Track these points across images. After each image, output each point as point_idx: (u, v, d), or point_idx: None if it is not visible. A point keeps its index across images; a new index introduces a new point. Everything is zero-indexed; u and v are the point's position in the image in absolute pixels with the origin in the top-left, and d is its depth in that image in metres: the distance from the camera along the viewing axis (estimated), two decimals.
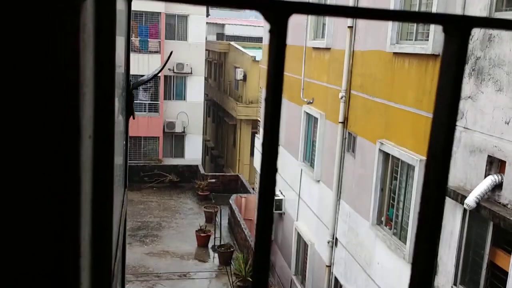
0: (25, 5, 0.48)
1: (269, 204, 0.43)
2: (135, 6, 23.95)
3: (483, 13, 6.41)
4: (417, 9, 8.20)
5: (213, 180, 23.54)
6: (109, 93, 0.85)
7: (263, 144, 0.39)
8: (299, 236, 13.46)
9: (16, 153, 0.53)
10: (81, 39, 0.50)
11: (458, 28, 0.43)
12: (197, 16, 26.54)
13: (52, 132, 0.52)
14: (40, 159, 0.53)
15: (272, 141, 0.38)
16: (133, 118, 2.10)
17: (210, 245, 18.04)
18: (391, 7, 8.63)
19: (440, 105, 0.45)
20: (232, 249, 17.03)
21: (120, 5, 1.59)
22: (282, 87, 0.38)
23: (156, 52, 25.57)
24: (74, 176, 0.55)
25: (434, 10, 7.41)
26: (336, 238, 11.10)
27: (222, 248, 16.94)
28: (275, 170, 0.41)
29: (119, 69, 1.64)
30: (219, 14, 46.13)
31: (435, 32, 7.33)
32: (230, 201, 19.65)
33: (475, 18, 0.44)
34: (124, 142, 2.06)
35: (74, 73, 0.50)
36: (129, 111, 2.02)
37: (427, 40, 7.66)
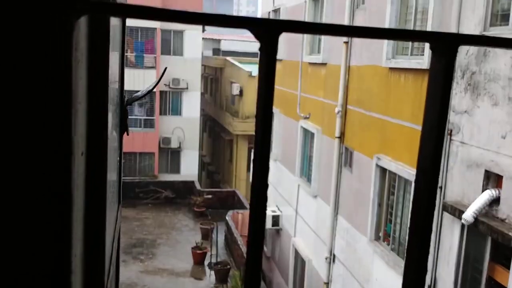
0: (18, 23, 0.48)
1: (260, 220, 0.40)
2: (130, 22, 24.09)
3: (478, 28, 6.45)
4: (412, 24, 8.25)
5: (209, 196, 23.43)
6: (102, 110, 0.84)
7: (254, 161, 0.36)
8: (296, 253, 13.36)
9: (6, 169, 0.53)
10: (73, 57, 0.50)
11: (445, 46, 0.43)
12: (193, 31, 26.69)
13: (44, 149, 0.52)
14: (31, 175, 0.53)
15: (262, 161, 0.35)
16: (127, 134, 2.06)
17: (206, 262, 17.88)
18: (386, 22, 8.69)
19: (428, 121, 0.44)
20: (228, 267, 16.87)
21: (114, 21, 1.57)
22: (272, 103, 0.36)
23: (151, 67, 25.64)
24: (65, 193, 0.55)
25: (429, 24, 7.46)
26: (334, 254, 11.02)
27: (219, 266, 16.78)
28: (266, 185, 0.39)
29: (113, 85, 1.62)
30: (215, 30, 46.47)
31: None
32: (227, 217, 19.54)
33: (462, 35, 0.44)
34: (118, 158, 2.02)
35: (66, 91, 0.51)
36: (123, 127, 2.00)
37: (423, 55, 7.70)
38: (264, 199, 0.42)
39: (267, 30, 0.34)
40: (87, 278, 0.91)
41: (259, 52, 0.36)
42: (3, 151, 0.52)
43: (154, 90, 25.57)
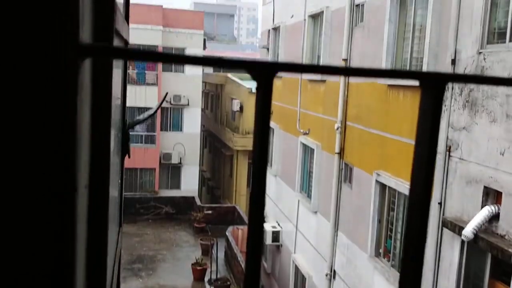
0: (25, 62, 0.50)
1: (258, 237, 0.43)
2: (132, 39, 24.28)
3: (475, 46, 6.53)
4: (410, 42, 8.34)
5: (210, 212, 23.37)
6: (105, 143, 0.87)
7: (251, 198, 0.40)
8: (296, 269, 13.30)
9: (11, 204, 0.54)
10: (78, 98, 0.52)
11: (433, 84, 0.46)
12: (194, 49, 26.90)
13: (49, 185, 0.54)
14: (35, 211, 0.54)
15: (258, 198, 0.39)
16: (129, 157, 2.10)
17: (206, 278, 17.76)
18: (385, 39, 8.79)
19: (418, 156, 0.47)
20: (228, 283, 16.76)
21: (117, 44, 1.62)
22: (268, 138, 0.40)
23: (153, 84, 25.79)
24: (69, 228, 0.56)
25: (426, 42, 7.54)
26: (334, 271, 10.97)
27: (219, 282, 16.68)
28: (262, 222, 0.42)
29: (115, 108, 1.66)
30: (216, 47, 46.81)
31: (429, 64, 7.44)
32: (227, 233, 19.47)
33: (449, 74, 0.48)
34: (119, 181, 2.05)
35: (71, 130, 0.52)
36: (124, 151, 2.03)
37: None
38: (262, 220, 0.45)
39: (263, 71, 0.38)
40: None
41: (255, 91, 0.40)
42: (6, 187, 0.53)
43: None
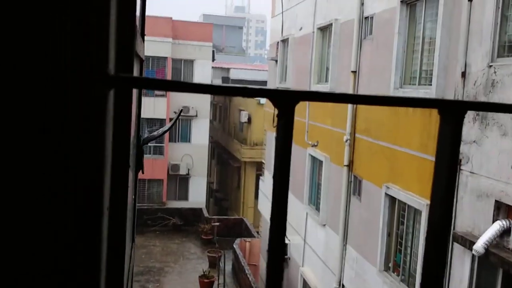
0: (58, 95, 0.52)
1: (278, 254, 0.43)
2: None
3: (485, 60, 6.49)
4: (419, 55, 8.32)
5: (217, 224, 23.31)
6: (124, 165, 0.87)
7: (271, 229, 0.39)
8: (305, 283, 13.18)
9: (38, 218, 0.55)
10: (108, 125, 0.54)
11: (452, 112, 0.46)
12: (202, 60, 27.06)
13: (77, 207, 0.55)
14: (63, 230, 0.56)
15: (279, 226, 0.37)
16: (143, 172, 2.10)
17: None
18: (394, 53, 8.78)
19: (438, 185, 0.46)
20: None
21: (136, 69, 1.63)
22: (290, 167, 0.39)
23: (162, 96, 25.93)
24: (96, 256, 0.58)
25: (436, 55, 7.52)
26: (343, 285, 10.86)
27: None
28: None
29: (132, 127, 1.68)
30: (225, 59, 47.08)
31: (438, 77, 7.41)
32: (234, 246, 19.39)
33: (469, 102, 0.47)
34: (133, 197, 2.05)
35: (101, 155, 0.54)
36: (139, 166, 2.03)
37: (430, 84, 7.74)
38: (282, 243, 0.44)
39: (285, 100, 0.37)
40: None
41: (277, 118, 0.39)
42: (36, 208, 0.54)
43: (164, 117, 25.80)
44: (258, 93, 0.37)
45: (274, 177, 0.39)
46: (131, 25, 0.92)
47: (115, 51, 0.72)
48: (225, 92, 0.36)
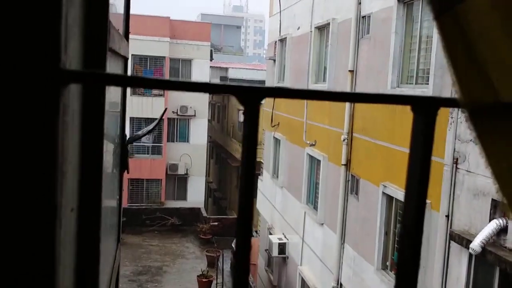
0: (6, 91, 0.49)
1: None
2: (139, 51, 24.50)
3: None
4: (416, 53, 8.33)
5: (216, 223, 23.33)
6: (97, 161, 0.86)
7: (238, 220, 0.39)
8: (303, 281, 13.20)
9: None
10: (60, 121, 0.51)
11: (425, 108, 0.46)
12: (200, 60, 27.05)
13: (25, 213, 0.53)
14: (14, 234, 0.53)
15: (245, 224, 0.38)
16: (127, 172, 2.10)
17: None
18: (391, 51, 8.79)
19: (411, 179, 0.46)
20: None
21: (116, 67, 1.62)
22: (256, 161, 0.39)
23: (160, 95, 25.92)
24: (49, 258, 0.54)
25: (433, 54, 7.53)
26: (341, 283, 10.88)
27: None
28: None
29: (115, 124, 1.66)
30: (223, 58, 47.08)
31: (435, 76, 7.43)
32: (233, 245, 19.38)
33: (441, 98, 0.47)
34: (118, 196, 2.05)
35: (51, 153, 0.51)
36: (123, 166, 2.03)
37: (427, 83, 7.75)
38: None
39: (250, 96, 0.38)
40: None
41: (242, 116, 0.40)
42: None
43: (163, 118, 25.78)
44: (222, 89, 0.37)
45: (240, 172, 0.40)
46: (103, 20, 0.91)
47: (81, 47, 0.71)
48: (187, 88, 0.36)
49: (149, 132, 3.07)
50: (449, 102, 0.48)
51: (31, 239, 0.53)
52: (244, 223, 0.40)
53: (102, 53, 0.90)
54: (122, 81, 0.36)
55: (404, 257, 0.48)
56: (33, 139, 0.50)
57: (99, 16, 0.87)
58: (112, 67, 1.45)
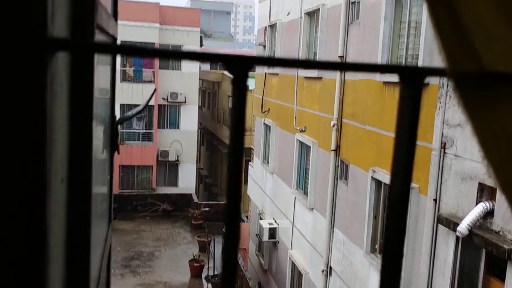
0: None
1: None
2: (129, 37, 24.25)
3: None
4: (405, 39, 8.36)
5: (207, 209, 23.40)
6: (86, 133, 0.87)
7: (227, 191, 0.42)
8: (293, 265, 13.34)
9: None
10: (48, 90, 0.52)
11: (412, 78, 0.46)
12: (190, 46, 26.86)
13: (15, 181, 0.53)
14: (4, 207, 0.53)
15: (234, 194, 0.41)
16: (118, 153, 2.11)
17: (203, 275, 17.81)
18: (380, 37, 8.81)
19: (398, 149, 0.48)
20: None
21: (105, 40, 1.62)
22: (244, 131, 0.42)
23: (150, 81, 25.76)
24: (39, 225, 0.54)
25: (422, 39, 7.57)
26: (331, 267, 11.02)
27: (216, 278, 16.73)
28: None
29: (104, 103, 1.67)
30: (213, 44, 46.73)
31: (424, 61, 7.47)
32: (224, 230, 19.47)
33: (429, 68, 0.48)
34: (109, 177, 2.06)
35: (39, 125, 0.52)
36: (113, 146, 2.04)
37: None
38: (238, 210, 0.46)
39: (238, 65, 0.40)
40: None
41: (231, 85, 0.42)
42: None
43: (153, 104, 25.67)
44: (210, 57, 0.39)
45: (228, 146, 0.43)
46: None
47: (67, 21, 0.71)
48: (175, 56, 0.38)
49: (138, 112, 3.07)
50: (436, 72, 0.50)
51: (22, 206, 0.53)
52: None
53: (89, 29, 0.91)
54: (110, 49, 0.38)
55: (390, 234, 0.50)
56: (22, 105, 0.50)
57: None
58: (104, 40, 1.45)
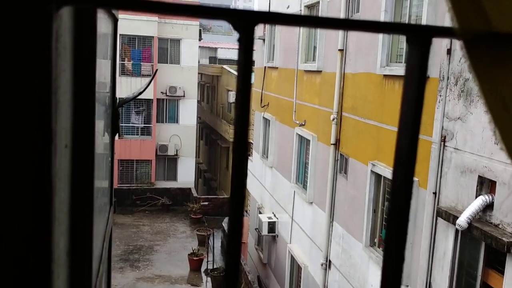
0: None
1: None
2: (128, 31, 24.19)
3: None
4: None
5: (206, 203, 23.42)
6: (89, 104, 0.86)
7: (233, 150, 0.41)
8: (292, 259, 13.37)
9: None
10: (53, 48, 0.50)
11: (420, 38, 0.45)
12: (189, 40, 26.79)
13: (22, 139, 0.52)
14: (9, 165, 0.52)
15: (240, 147, 0.39)
16: (119, 136, 2.11)
17: (203, 269, 17.84)
18: (380, 40, 8.77)
19: (405, 114, 0.47)
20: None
21: (106, 23, 1.61)
22: (251, 93, 0.40)
23: (148, 75, 25.69)
24: (45, 184, 0.54)
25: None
26: (330, 261, 11.04)
27: (215, 272, 16.76)
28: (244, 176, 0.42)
29: (105, 87, 1.66)
30: (212, 38, 46.63)
31: None
32: (223, 224, 19.53)
33: (436, 27, 0.47)
34: (110, 159, 2.06)
35: (44, 81, 0.50)
36: (115, 129, 2.03)
37: None
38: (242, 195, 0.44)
39: (245, 21, 0.38)
40: (72, 275, 0.89)
41: (237, 42, 0.40)
42: None
43: (152, 98, 25.61)
44: (214, 12, 0.37)
45: (235, 104, 0.41)
46: None
47: None
48: (176, 12, 0.37)
49: (140, 93, 3.06)
50: (444, 31, 0.48)
51: (28, 163, 0.52)
52: (240, 148, 0.40)
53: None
54: (112, 2, 0.36)
55: (392, 214, 0.48)
56: (27, 61, 0.49)
57: None
58: (103, 27, 1.44)
